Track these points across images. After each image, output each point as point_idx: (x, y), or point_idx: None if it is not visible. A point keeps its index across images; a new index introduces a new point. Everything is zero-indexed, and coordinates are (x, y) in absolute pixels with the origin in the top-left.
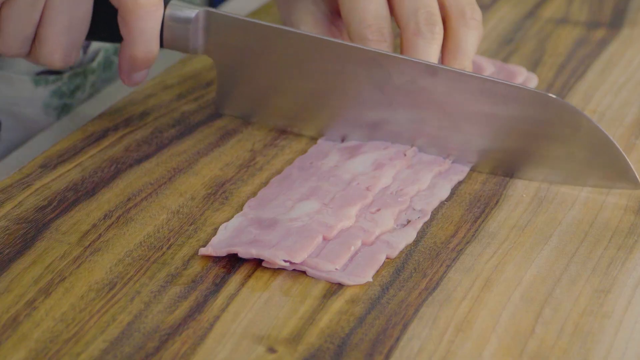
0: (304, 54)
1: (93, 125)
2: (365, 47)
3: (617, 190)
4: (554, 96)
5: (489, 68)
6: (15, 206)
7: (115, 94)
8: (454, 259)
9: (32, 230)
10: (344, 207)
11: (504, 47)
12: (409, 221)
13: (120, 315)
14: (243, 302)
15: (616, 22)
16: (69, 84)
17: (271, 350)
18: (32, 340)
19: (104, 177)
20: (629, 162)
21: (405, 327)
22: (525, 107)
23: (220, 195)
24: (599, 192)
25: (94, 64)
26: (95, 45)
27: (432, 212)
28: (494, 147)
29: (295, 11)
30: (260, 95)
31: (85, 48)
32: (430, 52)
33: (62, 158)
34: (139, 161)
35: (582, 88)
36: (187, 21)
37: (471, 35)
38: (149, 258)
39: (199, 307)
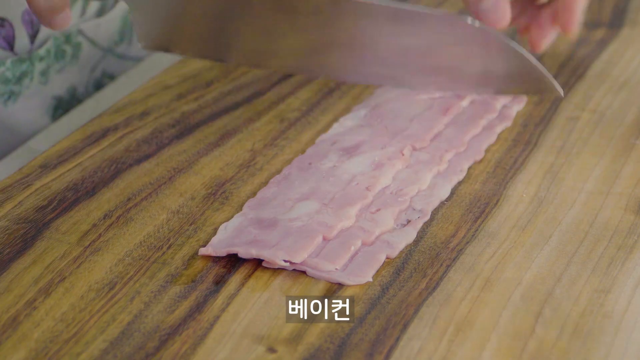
0: None
1: (93, 125)
2: None
3: (617, 190)
4: (465, 20)
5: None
6: (15, 206)
7: (115, 94)
8: (454, 259)
9: (32, 230)
10: (344, 207)
11: None
12: (409, 221)
13: (120, 315)
14: (243, 302)
15: (616, 22)
16: (13, 70)
17: (271, 350)
18: (32, 340)
19: (104, 177)
20: (544, 71)
21: (405, 327)
22: (437, 32)
23: (220, 195)
24: (599, 192)
25: (42, 51)
26: (44, 33)
27: (432, 212)
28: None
29: None
30: (172, 23)
31: (32, 37)
32: None
33: (62, 158)
34: (139, 161)
35: (582, 88)
36: None
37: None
38: (149, 258)
39: (199, 307)
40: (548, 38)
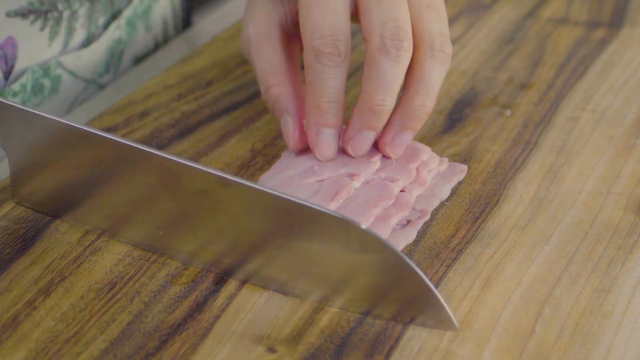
0: (96, 153)
1: (93, 125)
2: (155, 152)
3: (617, 190)
4: (359, 225)
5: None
6: (15, 206)
7: (115, 94)
8: (454, 259)
9: (32, 230)
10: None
11: (504, 47)
12: (409, 221)
13: (120, 315)
14: (243, 302)
15: (616, 22)
16: None
17: (271, 350)
18: (32, 340)
19: None
20: (442, 301)
21: (405, 327)
22: (326, 233)
23: None
24: (599, 192)
25: (16, 86)
26: (20, 65)
27: (432, 212)
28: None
29: (251, 7)
30: (56, 191)
31: (7, 73)
32: (394, 73)
33: None
34: None
35: (582, 88)
36: None
37: (437, 69)
38: (149, 258)
39: (199, 307)
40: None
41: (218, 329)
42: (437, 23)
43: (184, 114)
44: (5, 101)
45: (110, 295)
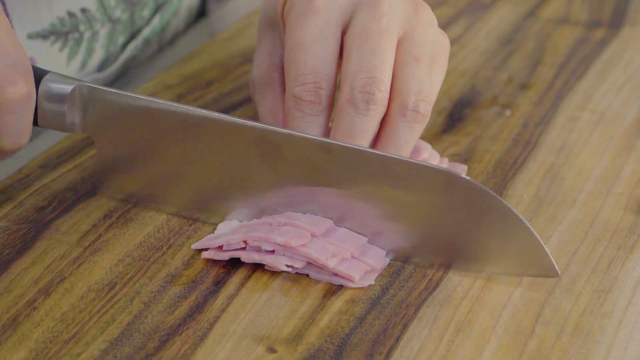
0: (189, 132)
1: None
2: (253, 124)
3: (617, 190)
4: (462, 176)
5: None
6: (15, 206)
7: None
8: None
9: (32, 230)
10: None
11: (504, 47)
12: None
13: (120, 316)
14: (243, 302)
15: (616, 22)
16: None
17: (271, 350)
18: (32, 340)
19: None
20: (545, 249)
21: (405, 327)
22: (429, 187)
23: None
24: (599, 192)
25: None
26: None
27: None
28: (401, 231)
29: (257, 45)
30: (147, 177)
31: None
32: (363, 127)
33: (62, 158)
34: None
35: (582, 88)
36: (62, 98)
37: (408, 129)
38: (149, 258)
39: (199, 307)
40: None
41: (218, 329)
42: (419, 79)
43: None
44: (93, 85)
45: (110, 295)
